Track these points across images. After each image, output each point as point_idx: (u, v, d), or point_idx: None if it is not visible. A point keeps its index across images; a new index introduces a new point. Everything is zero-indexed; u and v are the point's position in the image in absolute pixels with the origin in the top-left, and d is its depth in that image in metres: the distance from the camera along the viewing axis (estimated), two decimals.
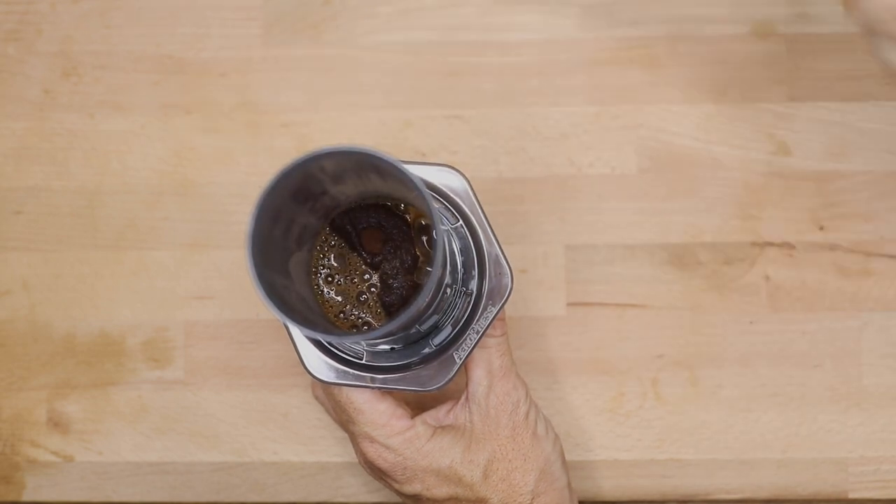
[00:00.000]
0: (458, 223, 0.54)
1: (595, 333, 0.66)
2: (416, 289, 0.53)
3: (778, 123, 0.66)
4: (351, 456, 0.66)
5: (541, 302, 0.66)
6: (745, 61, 0.66)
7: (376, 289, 0.54)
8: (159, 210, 0.68)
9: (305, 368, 0.54)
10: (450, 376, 0.54)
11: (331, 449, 0.67)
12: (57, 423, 0.67)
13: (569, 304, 0.66)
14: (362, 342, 0.53)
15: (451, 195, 0.54)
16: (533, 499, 0.56)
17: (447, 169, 0.54)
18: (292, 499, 0.67)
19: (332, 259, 0.53)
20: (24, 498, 0.67)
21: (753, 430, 0.65)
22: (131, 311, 0.67)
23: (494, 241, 0.54)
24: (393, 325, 0.44)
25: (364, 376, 0.54)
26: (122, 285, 0.67)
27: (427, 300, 0.44)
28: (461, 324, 0.54)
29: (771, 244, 0.66)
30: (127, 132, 0.68)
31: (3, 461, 0.67)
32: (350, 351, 0.54)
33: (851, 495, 0.65)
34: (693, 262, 0.66)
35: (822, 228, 0.66)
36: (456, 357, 0.54)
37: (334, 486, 0.67)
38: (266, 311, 0.67)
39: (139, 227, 0.67)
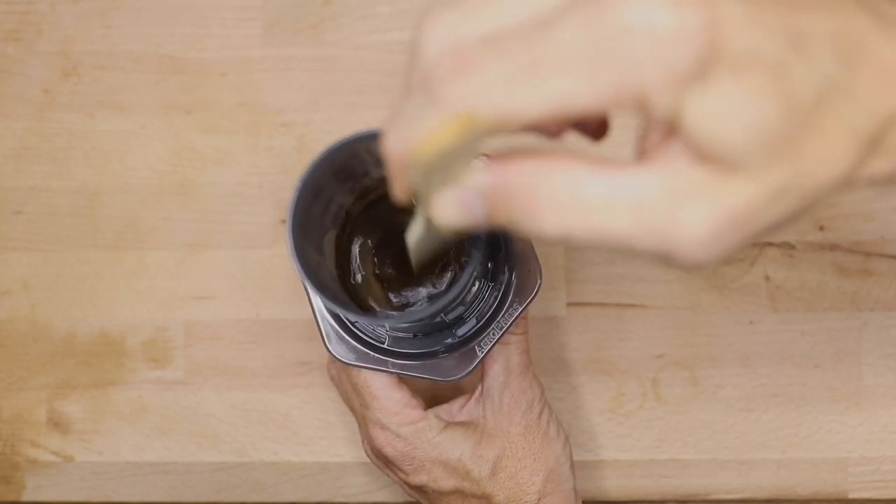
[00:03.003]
0: None
1: (595, 333, 0.66)
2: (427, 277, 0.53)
3: None
4: (352, 456, 0.66)
5: (541, 302, 0.66)
6: None
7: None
8: (159, 210, 0.67)
9: (326, 347, 0.54)
10: (470, 368, 0.54)
11: (331, 449, 0.67)
12: (57, 423, 0.67)
13: (569, 304, 0.66)
14: (387, 325, 0.53)
15: None
16: (539, 499, 0.56)
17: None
18: (292, 499, 0.67)
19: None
20: (24, 498, 0.67)
21: (753, 430, 0.65)
22: (131, 311, 0.67)
23: (527, 238, 0.54)
24: (425, 311, 0.44)
25: (384, 360, 0.54)
26: (122, 285, 0.67)
27: (459, 290, 0.44)
28: (486, 318, 0.54)
29: (771, 244, 0.66)
30: (127, 132, 0.68)
31: (3, 461, 0.67)
32: (373, 334, 0.54)
33: (851, 495, 0.65)
34: None
35: (822, 228, 0.66)
36: (478, 350, 0.54)
37: (334, 486, 0.67)
38: (266, 311, 0.67)
39: (139, 227, 0.67)
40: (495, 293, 0.54)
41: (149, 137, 0.68)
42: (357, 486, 0.67)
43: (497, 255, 0.54)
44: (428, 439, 0.56)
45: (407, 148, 0.32)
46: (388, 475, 0.59)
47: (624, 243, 0.32)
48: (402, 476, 0.57)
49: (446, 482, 0.56)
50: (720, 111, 0.30)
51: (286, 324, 0.67)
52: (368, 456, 0.59)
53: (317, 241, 0.47)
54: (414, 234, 0.39)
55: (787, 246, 0.66)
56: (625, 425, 0.66)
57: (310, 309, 0.54)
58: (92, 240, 0.68)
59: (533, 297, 0.54)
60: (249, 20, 0.68)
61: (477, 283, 0.53)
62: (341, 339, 0.54)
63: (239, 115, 0.68)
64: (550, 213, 0.32)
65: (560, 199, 0.31)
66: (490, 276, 0.54)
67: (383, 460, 0.58)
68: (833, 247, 0.66)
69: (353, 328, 0.54)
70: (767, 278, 0.66)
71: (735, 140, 0.30)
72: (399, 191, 0.34)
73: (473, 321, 0.54)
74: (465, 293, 0.51)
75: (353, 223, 0.52)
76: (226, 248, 0.67)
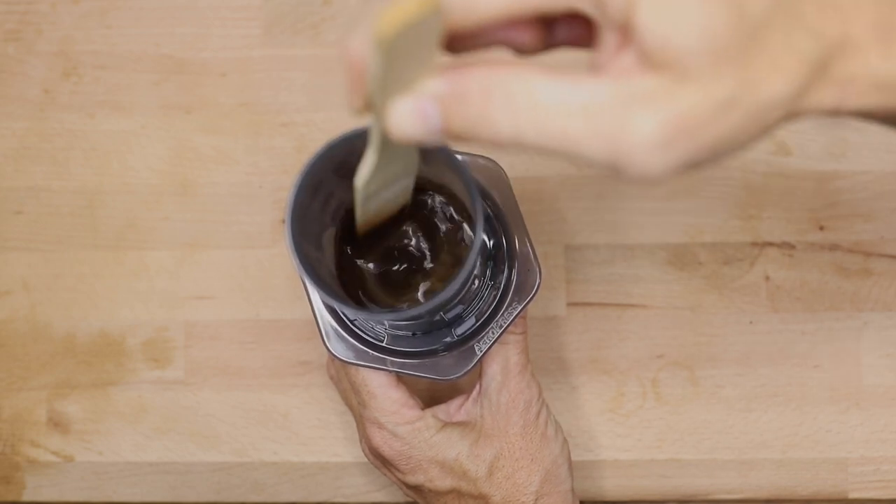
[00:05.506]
0: (492, 215, 0.54)
1: (595, 333, 0.66)
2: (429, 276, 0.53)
3: None
4: (351, 456, 0.66)
5: (541, 302, 0.66)
6: None
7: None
8: (159, 210, 0.68)
9: (325, 345, 0.54)
10: (469, 367, 0.54)
11: (331, 449, 0.67)
12: (57, 423, 0.67)
13: (569, 304, 0.66)
14: (386, 323, 0.53)
15: (486, 187, 0.54)
16: (536, 499, 0.56)
17: (483, 159, 0.54)
18: (292, 499, 0.67)
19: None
20: (24, 498, 0.67)
21: (753, 430, 0.65)
22: (131, 311, 0.67)
23: (526, 237, 0.54)
24: (424, 308, 0.44)
25: (383, 359, 0.54)
26: (122, 285, 0.67)
27: (458, 287, 0.44)
28: (485, 317, 0.54)
29: (771, 244, 0.66)
30: (127, 132, 0.68)
31: (3, 461, 0.67)
32: (371, 332, 0.54)
33: (851, 495, 0.65)
34: (693, 262, 0.66)
35: (822, 228, 0.66)
36: (476, 349, 0.54)
37: (334, 486, 0.67)
38: (266, 311, 0.67)
39: (139, 227, 0.68)
40: (494, 292, 0.54)
41: (149, 137, 0.68)
42: (356, 486, 0.67)
43: (496, 254, 0.54)
44: (425, 439, 0.56)
45: (368, 40, 0.32)
46: (385, 475, 0.59)
47: (574, 148, 0.32)
48: (399, 476, 0.57)
49: (443, 482, 0.56)
50: (672, 12, 0.31)
51: (286, 324, 0.67)
52: (366, 455, 0.59)
53: (316, 238, 0.47)
54: (364, 172, 0.38)
55: (787, 246, 0.66)
56: (625, 425, 0.66)
57: (309, 308, 0.54)
58: (92, 240, 0.68)
59: (532, 297, 0.54)
60: (249, 20, 0.68)
61: (476, 282, 0.53)
62: (340, 337, 0.54)
63: (239, 115, 0.68)
64: (504, 116, 0.32)
65: (514, 102, 0.32)
66: (489, 275, 0.54)
67: (380, 460, 0.57)
68: (833, 247, 0.66)
69: (352, 326, 0.54)
70: (767, 278, 0.66)
71: (684, 43, 0.31)
72: (355, 100, 0.35)
73: (472, 320, 0.54)
74: (464, 291, 0.51)
75: (352, 220, 0.52)
76: (226, 248, 0.67)
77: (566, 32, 0.37)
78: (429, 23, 0.31)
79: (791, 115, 0.34)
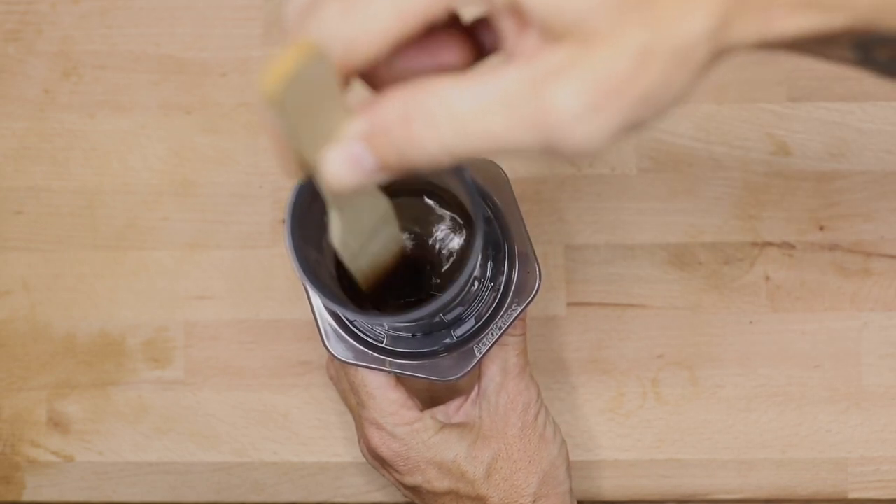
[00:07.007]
0: (492, 216, 0.54)
1: (595, 333, 0.66)
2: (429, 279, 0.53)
3: (778, 123, 0.66)
4: (351, 456, 0.66)
5: (541, 302, 0.66)
6: (744, 61, 0.66)
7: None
8: (159, 210, 0.68)
9: (325, 345, 0.54)
10: (468, 368, 0.54)
11: (331, 449, 0.67)
12: (57, 423, 0.67)
13: (569, 304, 0.66)
14: (385, 325, 0.53)
15: (486, 188, 0.54)
16: (534, 501, 0.56)
17: (483, 160, 0.54)
18: (292, 499, 0.67)
19: None
20: (24, 498, 0.67)
21: (753, 430, 0.65)
22: (131, 311, 0.67)
23: (526, 239, 0.54)
24: (424, 311, 0.44)
25: (382, 360, 0.54)
26: (122, 285, 0.67)
27: (458, 290, 0.44)
28: (485, 318, 0.54)
29: (771, 244, 0.66)
30: (127, 132, 0.68)
31: (3, 461, 0.67)
32: (371, 333, 0.54)
33: (851, 495, 0.65)
34: (693, 262, 0.66)
35: (822, 228, 0.66)
36: (476, 350, 0.54)
37: (334, 486, 0.67)
38: (266, 311, 0.67)
39: (139, 227, 0.68)
40: (494, 294, 0.54)
41: (149, 137, 0.68)
42: (356, 486, 0.67)
43: (496, 255, 0.54)
44: (423, 440, 0.56)
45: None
46: (383, 475, 0.59)
47: (504, 143, 0.31)
48: (397, 476, 0.57)
49: (440, 483, 0.56)
50: None
51: (286, 324, 0.67)
52: (364, 456, 0.59)
53: (316, 240, 0.47)
54: (335, 232, 0.37)
55: (787, 246, 0.66)
56: (625, 425, 0.66)
57: (309, 308, 0.54)
58: (92, 240, 0.68)
59: (532, 298, 0.54)
60: (249, 20, 0.68)
61: (476, 283, 0.53)
62: (340, 337, 0.54)
63: (239, 115, 0.68)
64: (429, 135, 0.31)
65: (434, 119, 0.31)
66: (489, 277, 0.54)
67: (378, 460, 0.57)
68: (833, 247, 0.66)
69: (351, 327, 0.54)
70: (767, 278, 0.65)
71: (578, 6, 0.30)
72: (286, 165, 0.34)
73: (472, 321, 0.54)
74: (464, 292, 0.51)
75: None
76: (226, 248, 0.67)
77: (492, 35, 0.35)
78: (316, 69, 0.30)
79: (718, 52, 0.32)
